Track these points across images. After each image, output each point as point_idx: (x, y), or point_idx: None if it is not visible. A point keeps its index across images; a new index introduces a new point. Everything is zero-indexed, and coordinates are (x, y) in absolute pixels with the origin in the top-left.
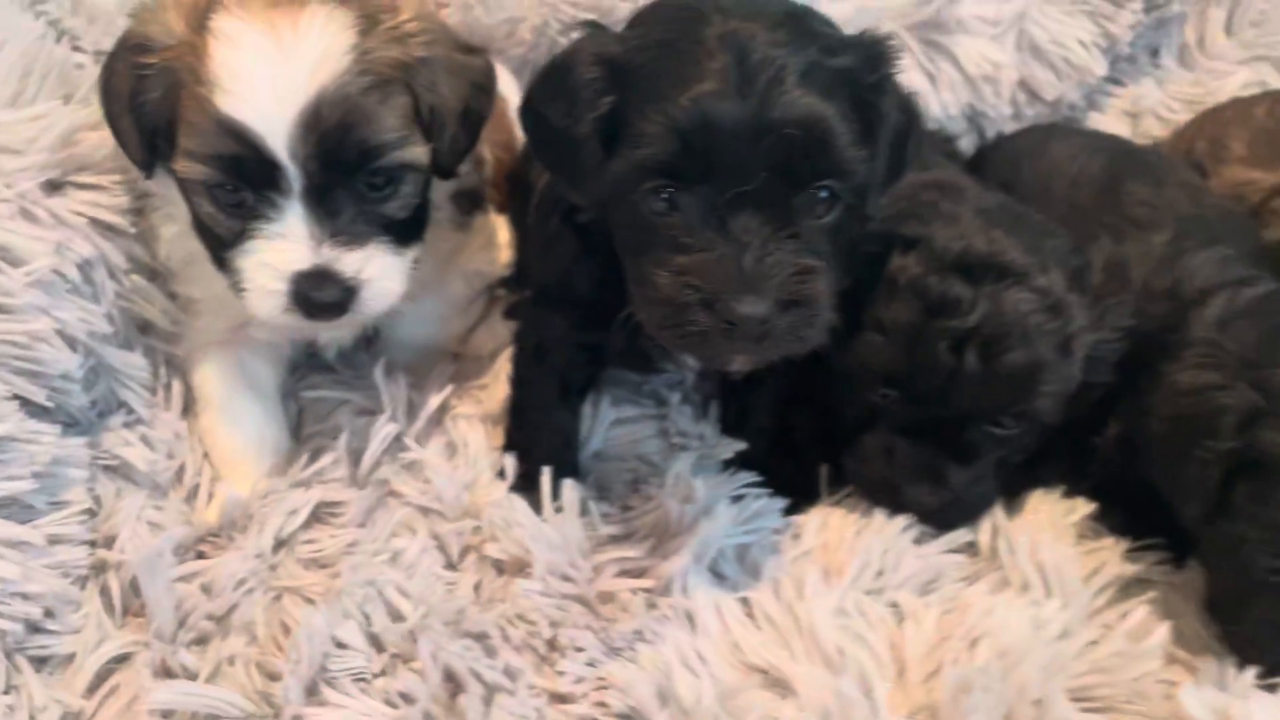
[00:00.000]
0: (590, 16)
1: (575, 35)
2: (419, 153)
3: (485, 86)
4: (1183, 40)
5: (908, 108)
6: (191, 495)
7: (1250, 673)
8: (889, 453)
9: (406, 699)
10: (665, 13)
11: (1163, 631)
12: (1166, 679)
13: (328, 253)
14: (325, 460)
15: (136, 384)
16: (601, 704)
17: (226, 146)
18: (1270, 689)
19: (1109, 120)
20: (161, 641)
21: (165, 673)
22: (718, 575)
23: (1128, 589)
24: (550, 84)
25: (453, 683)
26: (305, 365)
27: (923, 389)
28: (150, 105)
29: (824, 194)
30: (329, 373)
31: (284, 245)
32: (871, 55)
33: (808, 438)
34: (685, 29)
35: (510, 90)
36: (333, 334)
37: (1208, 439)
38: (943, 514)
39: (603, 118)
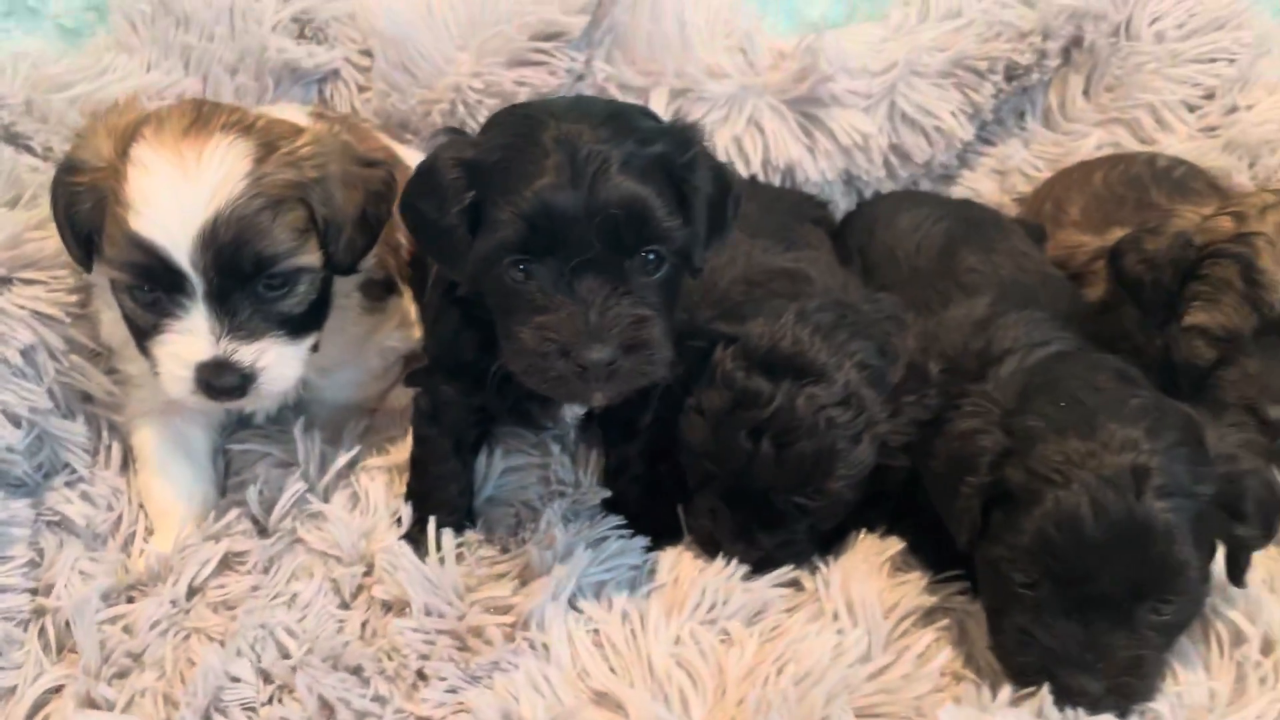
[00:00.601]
0: (493, 101)
1: (440, 140)
2: (311, 259)
3: (383, 194)
4: (1047, 103)
5: (720, 178)
6: (129, 542)
7: (1007, 690)
8: (713, 513)
9: None
10: (510, 120)
11: (944, 656)
12: (950, 696)
13: (227, 346)
14: (232, 515)
15: (77, 448)
16: None
17: (139, 257)
18: (1021, 701)
19: (980, 177)
20: (87, 676)
21: (89, 703)
22: (575, 609)
23: (927, 617)
24: (421, 184)
25: (329, 709)
26: (236, 422)
27: (729, 466)
28: (81, 216)
29: (651, 256)
30: (255, 428)
31: (189, 339)
32: (681, 140)
33: (671, 486)
34: (526, 132)
35: None
36: (256, 405)
37: (969, 475)
38: (758, 566)
39: (465, 209)
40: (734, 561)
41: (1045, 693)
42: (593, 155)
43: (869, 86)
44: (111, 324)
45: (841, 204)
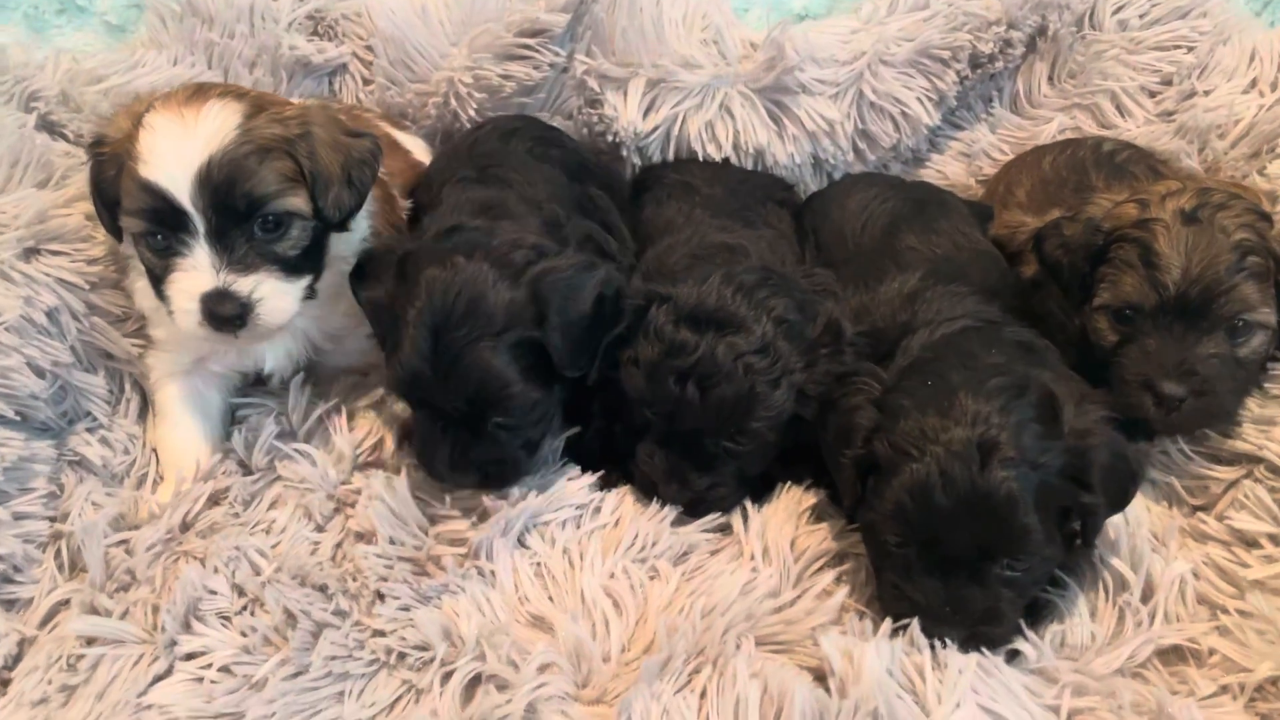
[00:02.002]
0: (481, 95)
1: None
2: (297, 202)
3: (367, 160)
4: (1014, 90)
5: (569, 329)
6: (141, 482)
7: (888, 624)
8: (650, 458)
9: (253, 630)
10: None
11: (843, 593)
12: (845, 628)
13: (226, 277)
14: (219, 458)
15: (98, 399)
16: (403, 638)
17: (148, 201)
18: (895, 634)
19: (947, 160)
20: (92, 588)
21: (92, 611)
22: (524, 545)
23: (834, 560)
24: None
25: (293, 619)
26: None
27: (661, 411)
28: (107, 183)
29: (499, 418)
30: (269, 392)
31: (193, 274)
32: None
33: (624, 439)
34: (407, 301)
35: (424, 156)
36: (275, 364)
37: (847, 447)
38: (691, 507)
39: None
40: (667, 506)
41: (916, 626)
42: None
43: (836, 75)
44: (143, 292)
45: (812, 186)
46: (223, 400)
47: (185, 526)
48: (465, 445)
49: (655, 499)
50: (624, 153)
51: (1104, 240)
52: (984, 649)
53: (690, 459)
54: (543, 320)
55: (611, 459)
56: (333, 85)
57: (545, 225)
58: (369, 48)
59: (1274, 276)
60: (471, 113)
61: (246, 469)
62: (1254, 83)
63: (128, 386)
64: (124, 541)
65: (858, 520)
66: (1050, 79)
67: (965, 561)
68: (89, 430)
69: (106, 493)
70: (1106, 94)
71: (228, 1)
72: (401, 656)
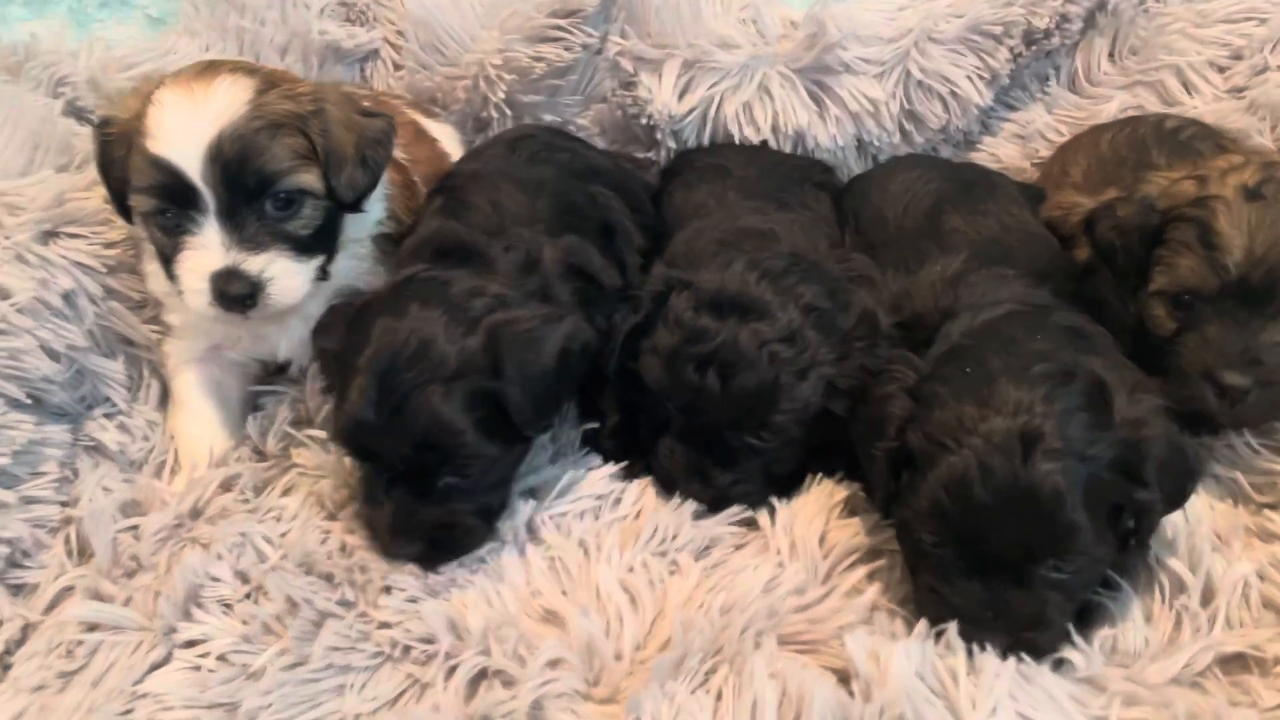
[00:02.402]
0: (511, 77)
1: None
2: (309, 179)
3: (381, 141)
4: (1072, 68)
5: (529, 383)
6: (160, 470)
7: (923, 624)
8: (671, 453)
9: (254, 618)
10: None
11: (873, 591)
12: (875, 628)
13: (236, 256)
14: (230, 445)
15: (116, 384)
16: (408, 630)
17: (157, 177)
18: (937, 636)
19: (1000, 143)
20: (98, 574)
21: (96, 596)
22: (538, 539)
23: (866, 556)
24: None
25: (295, 606)
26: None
27: (681, 402)
28: (116, 163)
29: (451, 478)
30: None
31: (203, 253)
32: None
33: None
34: (357, 349)
35: (452, 145)
36: (290, 351)
37: (879, 439)
38: (713, 506)
39: None
40: (689, 500)
41: (953, 627)
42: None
43: (881, 53)
44: (155, 276)
45: (855, 170)
46: (241, 388)
47: (196, 513)
48: (411, 507)
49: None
50: (658, 136)
51: (1160, 220)
52: (1027, 657)
53: (712, 455)
54: (499, 371)
55: (635, 452)
56: (364, 72)
57: (517, 266)
58: (400, 33)
59: None
60: (501, 95)
61: (261, 455)
62: None
63: (147, 373)
64: (134, 527)
65: (891, 518)
66: (1111, 55)
67: (1008, 562)
68: (107, 416)
69: (124, 479)
70: (1172, 70)
71: None
72: (406, 650)
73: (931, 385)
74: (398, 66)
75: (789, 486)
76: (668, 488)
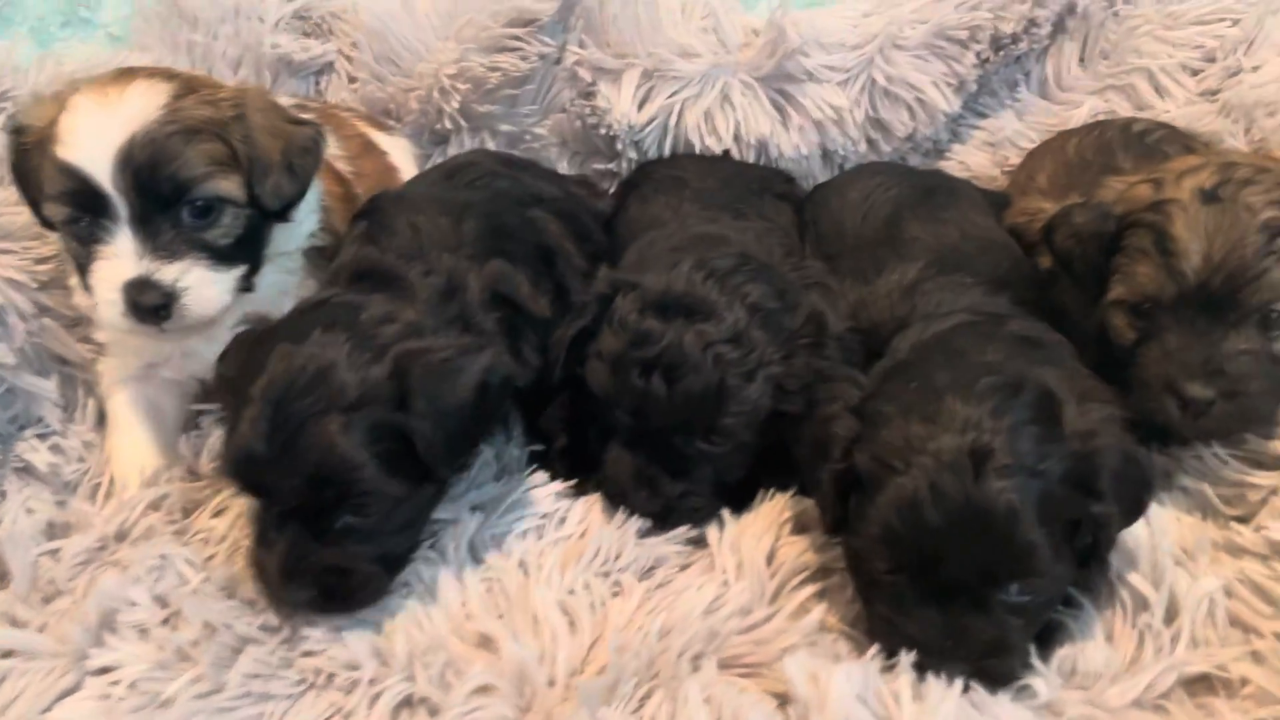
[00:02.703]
0: (464, 85)
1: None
2: (228, 187)
3: (308, 149)
4: (1043, 74)
5: (440, 419)
6: (95, 492)
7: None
8: (618, 462)
9: (170, 642)
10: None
11: (820, 611)
12: (822, 649)
13: (149, 265)
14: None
15: (49, 403)
16: (332, 657)
17: (67, 184)
18: (890, 668)
19: (970, 150)
20: (15, 599)
21: (11, 622)
22: (476, 558)
23: (815, 574)
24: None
25: (212, 632)
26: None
27: (627, 408)
28: (31, 171)
29: (349, 518)
30: None
31: (115, 262)
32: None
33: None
34: (253, 375)
35: (406, 158)
36: (181, 328)
37: (825, 461)
38: (661, 517)
39: None
40: (633, 516)
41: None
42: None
43: (845, 61)
44: (77, 289)
45: (822, 180)
46: (178, 407)
47: (121, 535)
48: (304, 548)
49: (624, 509)
50: (619, 146)
51: (1116, 226)
52: (985, 687)
53: (661, 463)
54: (406, 404)
55: (585, 471)
56: (319, 85)
57: (437, 292)
58: (355, 44)
59: None
60: (455, 106)
61: (195, 475)
62: None
63: (83, 392)
64: (56, 551)
65: (844, 544)
66: (1081, 60)
67: (965, 587)
68: (40, 436)
69: (56, 501)
70: (1143, 73)
71: (212, 1)
72: (330, 677)
73: (876, 403)
74: (352, 79)
75: (741, 498)
76: (615, 500)
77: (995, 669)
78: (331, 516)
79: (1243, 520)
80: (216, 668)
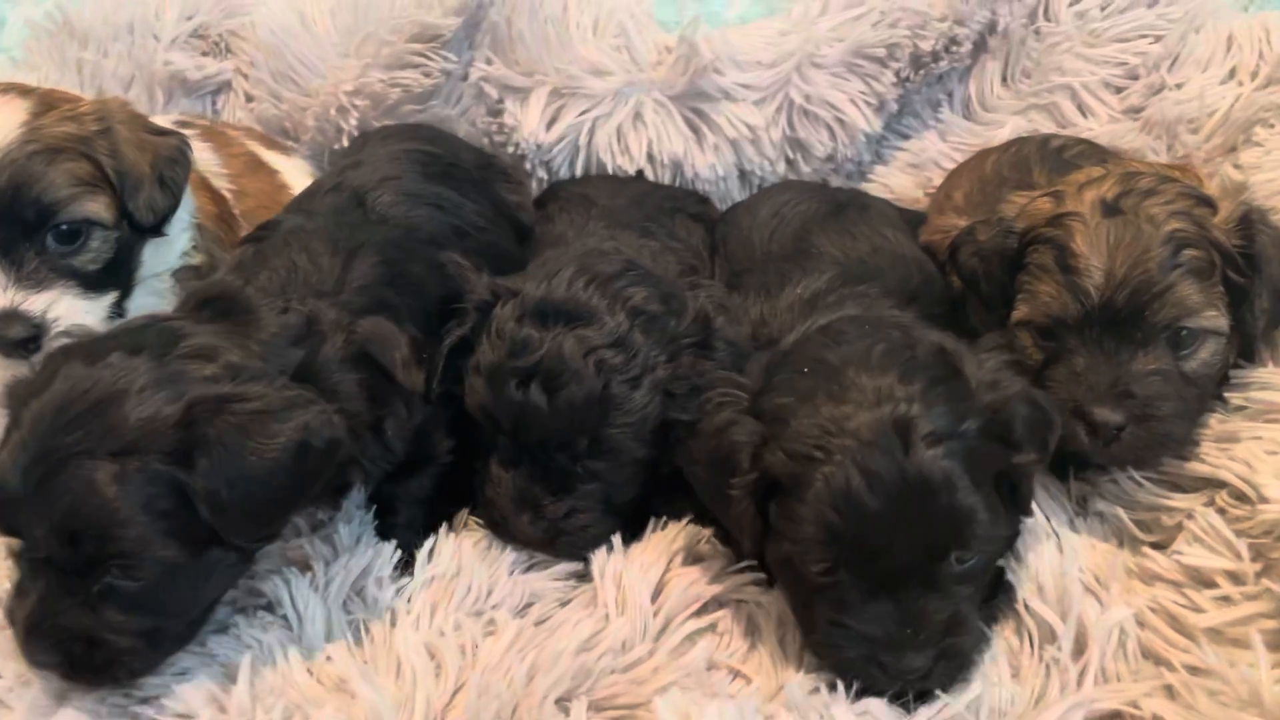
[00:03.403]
0: (363, 101)
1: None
2: (95, 208)
3: (177, 159)
4: (965, 93)
5: (239, 483)
6: None
7: (758, 682)
8: (499, 484)
9: None
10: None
11: (706, 646)
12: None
13: (15, 296)
14: None
15: None
16: (163, 705)
17: None
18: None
19: (893, 172)
20: None
21: None
22: (342, 599)
23: (705, 608)
24: None
25: (26, 681)
26: None
27: (504, 421)
28: None
29: (116, 579)
30: None
31: None
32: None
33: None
34: (33, 394)
35: (301, 178)
36: None
37: (734, 475)
38: (548, 543)
39: None
40: (507, 550)
41: (795, 684)
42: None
43: (760, 79)
44: None
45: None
46: None
47: None
48: (54, 605)
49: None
50: (528, 166)
51: (1019, 243)
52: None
53: (544, 482)
54: (190, 458)
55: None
56: (215, 105)
57: (287, 333)
58: (253, 63)
59: (1221, 271)
60: (353, 124)
61: None
62: (1233, 72)
63: None
64: None
65: (767, 558)
66: (1004, 79)
67: (912, 568)
68: None
69: None
70: (1066, 91)
71: (104, 18)
72: None
73: (771, 398)
74: (250, 98)
75: (634, 522)
76: (496, 528)
77: (957, 647)
78: (94, 574)
79: (1159, 547)
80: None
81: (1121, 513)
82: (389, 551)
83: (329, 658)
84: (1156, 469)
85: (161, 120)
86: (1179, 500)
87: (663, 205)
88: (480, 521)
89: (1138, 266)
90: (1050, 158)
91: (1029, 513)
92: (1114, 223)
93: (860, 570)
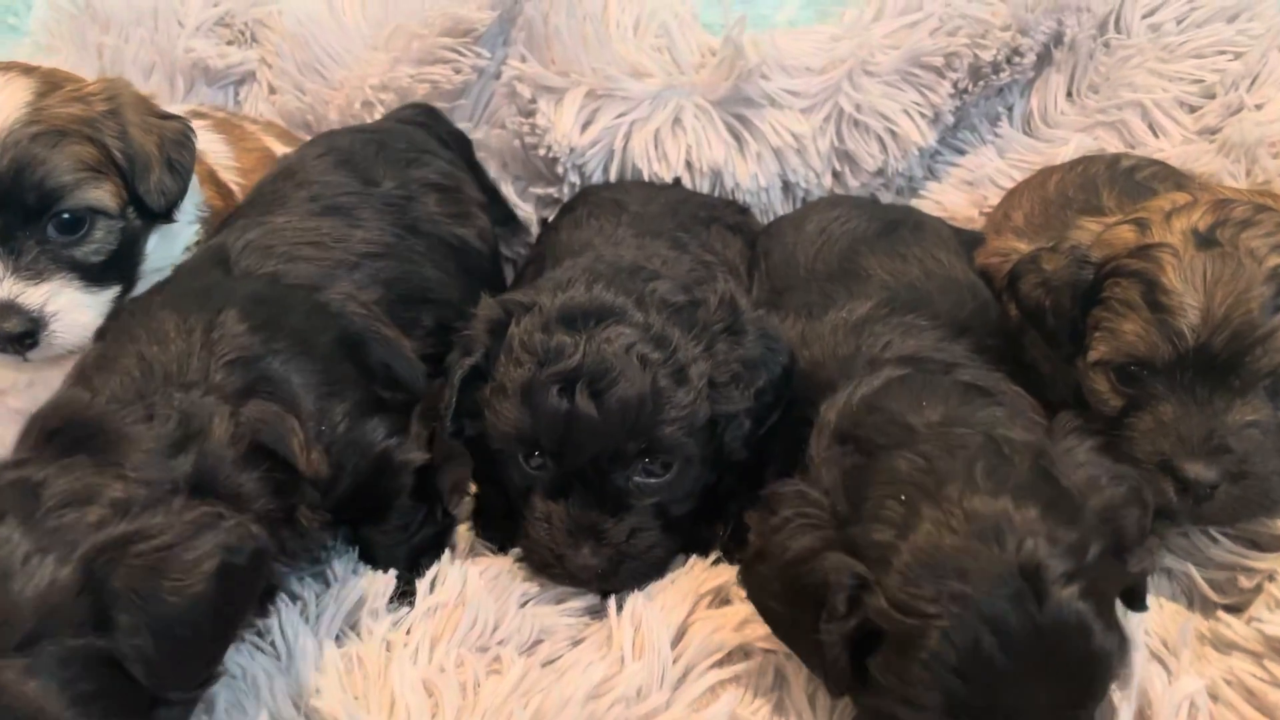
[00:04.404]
0: (389, 96)
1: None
2: (100, 196)
3: (183, 143)
4: (1027, 108)
5: (165, 629)
6: None
7: None
8: (548, 519)
9: None
10: None
11: (731, 698)
12: None
13: (13, 287)
14: None
15: None
16: None
17: None
18: None
19: (947, 189)
20: None
21: None
22: (336, 629)
23: (730, 656)
24: None
25: None
26: None
27: (549, 440)
28: None
29: None
30: None
31: None
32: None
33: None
34: None
35: None
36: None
37: (825, 617)
38: (610, 575)
39: None
40: (514, 585)
41: None
42: None
43: (809, 86)
44: None
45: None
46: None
47: None
48: None
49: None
50: (560, 170)
51: (1095, 275)
52: None
53: (598, 505)
54: (107, 621)
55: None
56: (238, 95)
57: (165, 443)
58: (278, 52)
59: None
60: (377, 119)
61: None
62: None
63: None
64: None
65: (861, 705)
66: (1069, 94)
67: None
68: None
69: None
70: (1136, 109)
71: (128, 2)
72: None
73: (867, 530)
74: (273, 89)
75: (695, 538)
76: (549, 570)
77: None
78: None
79: (1234, 610)
80: None
81: (1193, 570)
82: (386, 580)
83: (319, 689)
84: (1234, 523)
85: (176, 110)
86: (1259, 561)
87: (698, 214)
88: (490, 546)
89: (1239, 306)
90: (1120, 179)
91: (1143, 607)
92: (1210, 256)
93: None
